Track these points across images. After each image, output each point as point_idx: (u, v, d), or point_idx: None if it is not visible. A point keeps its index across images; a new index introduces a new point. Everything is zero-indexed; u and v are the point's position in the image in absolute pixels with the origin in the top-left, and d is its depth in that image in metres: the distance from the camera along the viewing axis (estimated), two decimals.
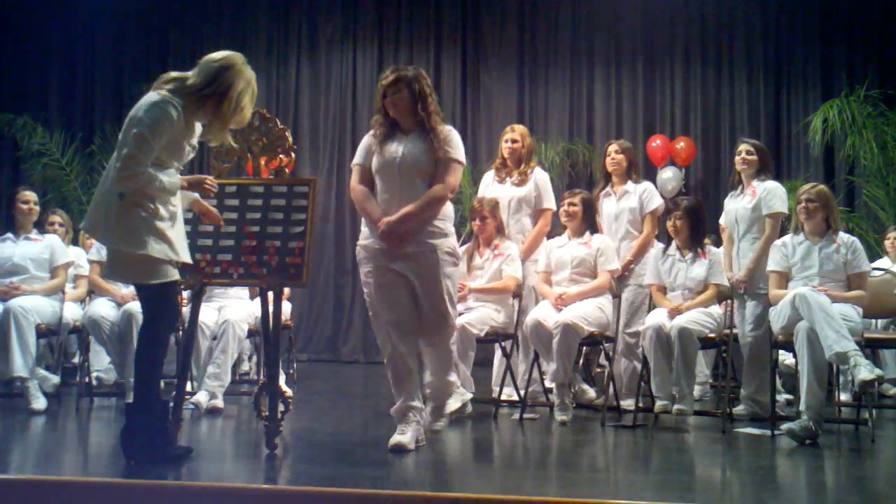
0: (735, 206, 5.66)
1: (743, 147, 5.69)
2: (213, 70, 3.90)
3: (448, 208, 4.40)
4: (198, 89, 3.89)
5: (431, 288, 4.30)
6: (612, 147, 6.03)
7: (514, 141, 6.02)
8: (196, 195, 4.17)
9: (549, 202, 6.00)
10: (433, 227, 4.29)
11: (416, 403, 4.34)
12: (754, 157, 5.63)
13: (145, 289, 3.97)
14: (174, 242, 3.90)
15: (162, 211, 3.87)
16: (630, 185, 5.96)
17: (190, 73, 3.94)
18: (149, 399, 3.95)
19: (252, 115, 4.34)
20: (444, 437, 4.88)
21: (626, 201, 5.94)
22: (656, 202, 5.94)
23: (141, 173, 3.76)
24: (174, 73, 3.96)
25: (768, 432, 4.88)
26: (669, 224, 5.53)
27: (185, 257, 4.00)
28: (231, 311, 5.72)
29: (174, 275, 3.96)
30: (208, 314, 5.64)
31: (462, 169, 4.48)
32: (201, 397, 5.47)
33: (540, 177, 6.02)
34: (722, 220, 5.86)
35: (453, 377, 4.67)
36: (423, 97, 4.32)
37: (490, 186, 6.07)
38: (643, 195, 5.92)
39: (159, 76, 4.01)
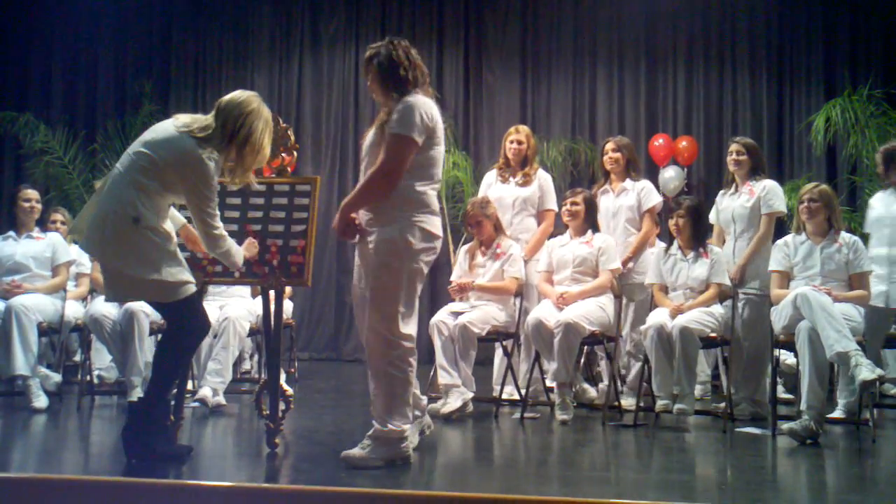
0: (731, 205, 5.65)
1: (733, 147, 5.68)
2: (233, 116, 3.93)
3: (405, 192, 3.87)
4: (226, 139, 3.93)
5: (368, 281, 3.94)
6: (609, 145, 6.04)
7: (518, 142, 6.03)
8: (184, 221, 4.18)
9: (552, 203, 6.03)
10: (379, 215, 3.92)
11: (417, 399, 4.28)
12: (745, 158, 5.62)
13: (163, 305, 3.98)
14: (184, 264, 3.96)
15: (171, 232, 3.94)
16: (628, 182, 5.97)
17: (210, 120, 3.95)
18: (158, 401, 3.97)
19: None
20: (445, 437, 4.89)
21: (624, 199, 5.94)
22: (654, 200, 5.95)
23: (225, 239, 3.96)
24: (200, 121, 3.94)
25: (769, 432, 4.88)
26: (672, 223, 5.52)
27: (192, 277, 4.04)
28: (232, 308, 5.73)
29: (190, 290, 3.96)
30: (210, 312, 5.58)
31: (409, 143, 3.82)
32: (206, 392, 5.48)
33: (543, 178, 6.06)
34: (712, 218, 5.84)
35: (394, 424, 3.87)
36: (382, 69, 3.97)
37: (493, 186, 6.08)
38: (641, 193, 5.93)
39: (175, 114, 4.07)
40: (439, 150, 4.00)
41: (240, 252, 4.10)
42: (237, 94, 4.02)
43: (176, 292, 3.89)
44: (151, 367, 4.10)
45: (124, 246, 3.80)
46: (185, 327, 3.98)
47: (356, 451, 3.87)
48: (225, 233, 4.00)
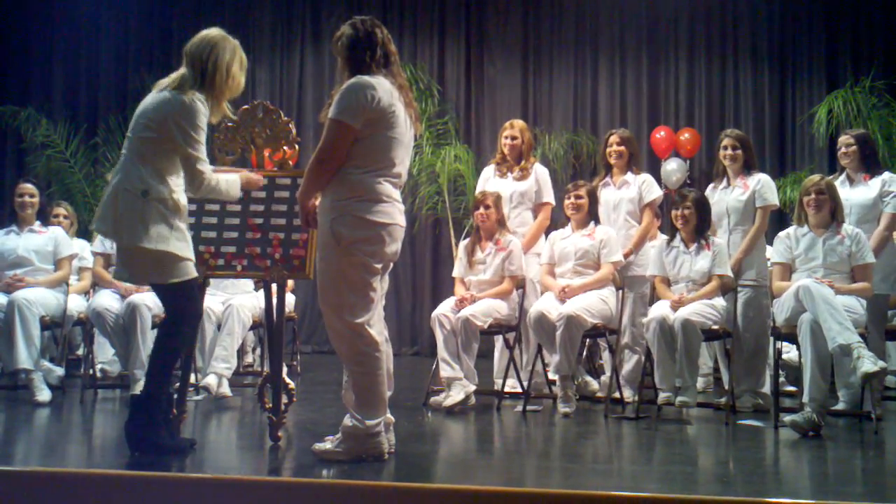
0: (725, 199, 5.64)
1: (727, 142, 5.65)
2: (199, 56, 3.97)
3: (340, 180, 3.71)
4: (199, 78, 3.95)
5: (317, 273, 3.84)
6: (613, 137, 6.02)
7: (513, 137, 6.04)
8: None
9: (549, 196, 6.03)
10: (320, 205, 3.80)
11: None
12: (740, 153, 5.62)
13: (165, 288, 3.98)
14: (189, 240, 3.98)
15: (182, 206, 3.93)
16: (630, 175, 5.96)
17: (182, 70, 3.99)
18: (159, 393, 3.97)
19: (256, 106, 4.40)
20: (448, 429, 4.90)
21: (626, 192, 5.94)
22: (655, 193, 5.95)
23: (209, 177, 3.93)
24: (173, 76, 3.99)
25: (771, 424, 4.88)
26: (678, 214, 5.48)
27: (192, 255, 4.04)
28: (236, 298, 5.76)
29: (193, 272, 3.97)
30: (213, 306, 5.66)
31: (343, 129, 3.66)
32: (211, 381, 5.49)
33: (540, 171, 6.07)
34: None
35: (364, 420, 3.77)
36: (343, 49, 3.85)
37: (490, 181, 6.09)
38: (643, 186, 5.92)
39: (157, 81, 4.08)
40: (388, 136, 3.74)
41: (233, 181, 4.06)
42: (199, 35, 4.05)
43: (177, 270, 3.90)
44: (149, 360, 4.10)
45: (135, 219, 3.82)
46: (183, 314, 3.98)
47: (326, 445, 3.83)
48: (212, 174, 3.96)
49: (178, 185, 3.97)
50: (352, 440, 3.79)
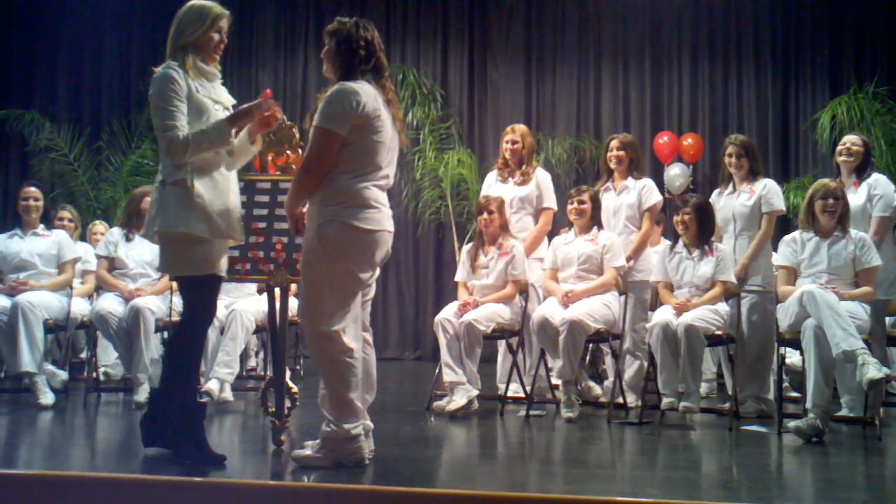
0: (730, 204, 5.64)
1: (732, 150, 5.63)
2: (173, 28, 4.05)
3: (328, 187, 3.70)
4: (169, 51, 4.02)
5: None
6: (614, 142, 6.02)
7: (514, 142, 6.05)
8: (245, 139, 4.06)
9: (551, 201, 6.04)
10: (308, 212, 3.79)
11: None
12: (744, 160, 5.60)
13: (183, 281, 3.95)
14: (216, 220, 3.84)
15: (199, 188, 3.81)
16: (630, 180, 5.96)
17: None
18: (174, 390, 3.93)
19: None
20: (451, 434, 4.90)
21: (626, 197, 5.93)
22: (655, 198, 5.94)
23: (179, 139, 3.77)
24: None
25: (775, 430, 4.87)
26: (678, 220, 5.49)
27: (235, 235, 3.95)
28: (239, 303, 5.75)
29: (212, 268, 3.91)
30: (217, 310, 5.64)
31: (329, 136, 3.67)
32: (213, 385, 5.48)
33: (541, 176, 6.08)
34: None
35: (343, 425, 3.72)
36: (338, 47, 3.85)
37: (493, 186, 6.10)
38: (642, 191, 5.92)
39: None
40: (374, 140, 3.74)
41: (215, 123, 3.86)
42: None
43: (198, 261, 3.84)
44: (163, 360, 4.08)
45: (156, 208, 3.82)
46: (193, 314, 3.94)
47: (305, 451, 3.80)
48: (181, 132, 3.77)
49: (211, 167, 3.91)
50: (332, 446, 3.76)
